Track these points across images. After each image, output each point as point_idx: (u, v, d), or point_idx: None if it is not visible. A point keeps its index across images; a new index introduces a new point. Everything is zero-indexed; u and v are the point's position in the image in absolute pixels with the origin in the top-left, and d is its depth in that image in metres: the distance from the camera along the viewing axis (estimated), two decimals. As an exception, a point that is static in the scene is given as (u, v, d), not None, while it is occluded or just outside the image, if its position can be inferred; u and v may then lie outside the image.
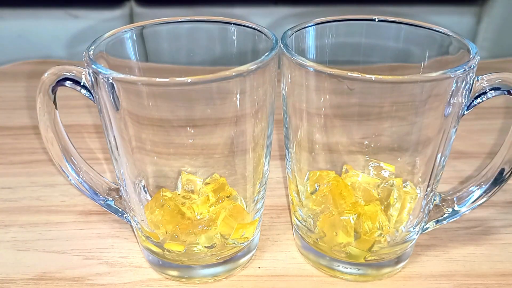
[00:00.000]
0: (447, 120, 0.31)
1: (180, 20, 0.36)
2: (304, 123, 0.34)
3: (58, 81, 0.33)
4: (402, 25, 0.35)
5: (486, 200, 0.35)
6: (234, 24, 0.36)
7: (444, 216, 0.36)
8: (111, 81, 0.29)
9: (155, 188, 0.36)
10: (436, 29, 0.34)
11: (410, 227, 0.35)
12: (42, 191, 0.46)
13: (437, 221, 0.36)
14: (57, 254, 0.38)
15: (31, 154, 0.51)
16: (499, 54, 0.87)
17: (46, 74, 0.33)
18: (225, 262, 0.36)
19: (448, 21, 0.86)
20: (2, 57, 0.80)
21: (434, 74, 0.28)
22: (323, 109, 0.34)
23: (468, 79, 0.30)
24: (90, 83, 0.32)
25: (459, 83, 0.29)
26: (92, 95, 0.32)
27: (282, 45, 0.32)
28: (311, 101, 0.33)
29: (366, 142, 0.34)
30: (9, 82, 0.67)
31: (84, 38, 0.85)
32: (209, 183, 0.37)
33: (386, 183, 0.36)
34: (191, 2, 0.86)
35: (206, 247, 0.35)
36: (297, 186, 0.36)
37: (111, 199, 0.37)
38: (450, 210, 0.36)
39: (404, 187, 0.35)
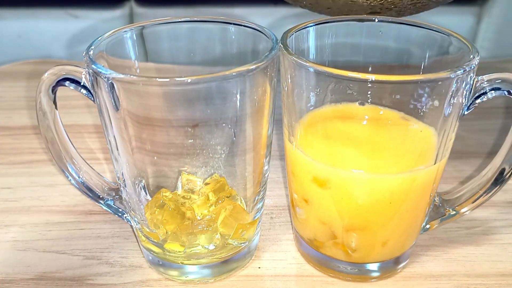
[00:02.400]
0: (447, 120, 0.31)
1: (180, 20, 0.36)
2: (304, 123, 0.34)
3: (58, 81, 0.33)
4: (402, 25, 0.35)
5: (486, 200, 0.35)
6: (234, 24, 0.36)
7: (444, 216, 0.36)
8: (111, 81, 0.29)
9: (155, 188, 0.36)
10: (436, 29, 0.34)
11: None
12: (42, 191, 0.46)
13: (437, 221, 0.36)
14: (57, 254, 0.38)
15: (31, 154, 0.51)
16: (499, 54, 0.87)
17: (46, 74, 0.33)
18: (225, 262, 0.36)
19: (448, 21, 0.86)
20: (2, 57, 0.81)
21: (434, 74, 0.28)
22: (323, 110, 0.34)
23: (469, 80, 0.30)
24: (90, 83, 0.32)
25: (459, 83, 0.29)
26: (92, 95, 0.32)
27: (281, 45, 0.32)
28: (311, 101, 0.33)
29: (366, 142, 0.34)
30: (9, 82, 0.67)
31: (84, 38, 0.85)
32: (209, 183, 0.37)
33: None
34: (191, 2, 0.86)
35: (206, 247, 0.35)
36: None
37: (111, 199, 0.37)
38: (450, 210, 0.36)
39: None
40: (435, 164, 0.32)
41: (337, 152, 0.33)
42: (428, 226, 0.36)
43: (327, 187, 0.32)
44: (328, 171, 0.32)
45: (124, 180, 0.34)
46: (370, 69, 0.37)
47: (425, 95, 0.30)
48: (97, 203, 0.37)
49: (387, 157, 0.33)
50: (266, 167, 0.36)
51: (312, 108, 0.34)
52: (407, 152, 0.33)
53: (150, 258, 0.36)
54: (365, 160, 0.33)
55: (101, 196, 0.37)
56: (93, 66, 0.29)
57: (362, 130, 0.34)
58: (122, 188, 0.35)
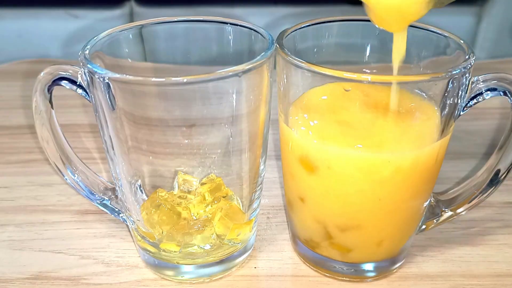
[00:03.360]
0: (443, 121, 0.31)
1: (176, 19, 0.36)
2: (300, 123, 0.34)
3: (54, 81, 0.33)
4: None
5: (482, 201, 0.35)
6: (231, 24, 0.36)
7: (440, 216, 0.36)
8: (106, 80, 0.29)
9: (151, 188, 0.36)
10: (433, 30, 0.34)
11: None
12: (38, 191, 0.46)
13: (433, 222, 0.36)
14: (53, 254, 0.38)
15: (28, 153, 0.51)
16: (499, 54, 0.86)
17: (42, 74, 0.33)
18: (221, 262, 0.36)
19: (448, 21, 0.86)
20: (2, 57, 0.80)
21: (429, 75, 0.28)
22: (319, 110, 0.34)
23: (464, 80, 0.30)
24: (86, 82, 0.32)
25: (455, 83, 0.29)
26: (88, 95, 0.32)
27: (277, 45, 0.32)
28: (306, 102, 0.33)
29: (360, 142, 0.34)
30: (6, 81, 0.67)
31: (84, 37, 0.84)
32: (205, 183, 0.37)
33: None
34: (191, 2, 0.86)
35: (202, 247, 0.35)
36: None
37: (107, 198, 0.37)
38: (446, 210, 0.36)
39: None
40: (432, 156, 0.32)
41: (329, 130, 0.32)
42: (424, 226, 0.36)
43: (319, 171, 0.32)
44: (321, 150, 0.31)
45: (119, 180, 0.34)
46: (366, 69, 0.37)
47: (421, 95, 0.30)
48: (93, 203, 0.37)
49: (377, 138, 0.32)
50: (262, 167, 0.36)
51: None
52: (403, 134, 0.32)
53: (146, 257, 0.36)
54: (357, 140, 0.32)
55: (97, 196, 0.37)
56: (88, 65, 0.29)
57: (356, 109, 0.33)
58: (118, 188, 0.35)
